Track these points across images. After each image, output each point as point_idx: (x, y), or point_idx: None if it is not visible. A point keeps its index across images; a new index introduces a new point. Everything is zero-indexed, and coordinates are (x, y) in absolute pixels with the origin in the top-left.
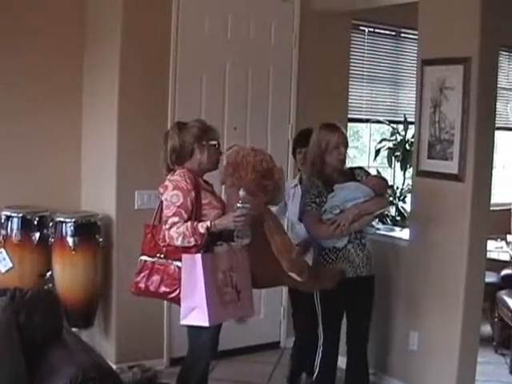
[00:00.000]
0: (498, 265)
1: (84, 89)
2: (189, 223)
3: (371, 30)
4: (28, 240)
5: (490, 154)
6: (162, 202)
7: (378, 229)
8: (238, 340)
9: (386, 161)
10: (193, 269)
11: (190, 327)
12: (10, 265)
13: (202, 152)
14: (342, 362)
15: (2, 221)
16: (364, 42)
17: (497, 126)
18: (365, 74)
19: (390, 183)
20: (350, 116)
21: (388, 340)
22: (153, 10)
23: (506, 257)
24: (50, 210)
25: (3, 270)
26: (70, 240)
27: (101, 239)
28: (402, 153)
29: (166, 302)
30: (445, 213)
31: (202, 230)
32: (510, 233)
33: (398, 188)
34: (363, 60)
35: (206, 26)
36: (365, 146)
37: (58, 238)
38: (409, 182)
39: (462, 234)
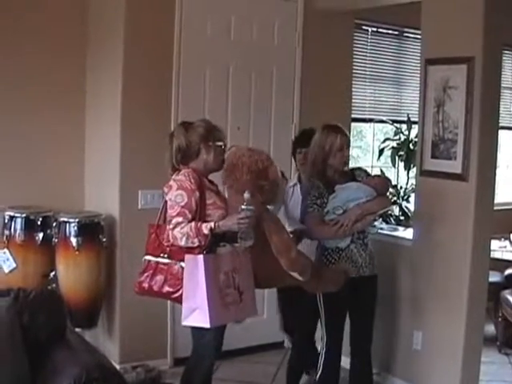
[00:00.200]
0: (502, 264)
1: (87, 89)
2: (193, 224)
3: (374, 29)
4: (31, 240)
5: (493, 153)
6: (166, 201)
7: (382, 228)
8: (242, 340)
9: (389, 160)
10: (195, 270)
11: (194, 327)
12: (14, 265)
13: (208, 152)
14: (345, 362)
15: (6, 221)
16: (367, 41)
17: (500, 125)
18: (368, 73)
19: (394, 183)
20: (353, 116)
21: (392, 340)
22: (156, 10)
23: (509, 256)
24: (53, 210)
25: (7, 271)
26: (73, 240)
27: (104, 239)
28: (405, 152)
29: (169, 301)
30: (448, 212)
31: (205, 231)
32: None
33: (401, 188)
34: (366, 60)
35: (208, 27)
36: (368, 146)
37: (62, 238)
38: (412, 181)
39: (466, 233)
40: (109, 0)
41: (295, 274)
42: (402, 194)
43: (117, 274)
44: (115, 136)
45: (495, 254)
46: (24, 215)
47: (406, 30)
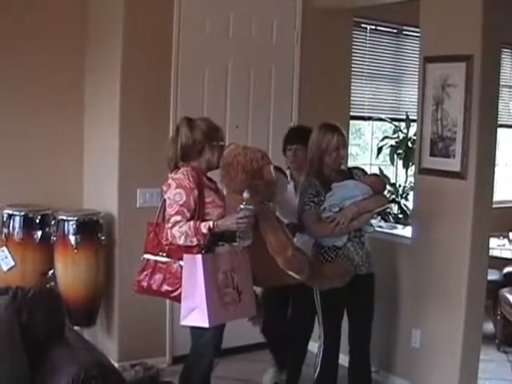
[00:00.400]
0: (501, 262)
1: (86, 88)
2: (191, 223)
3: (373, 27)
4: (30, 238)
5: (492, 151)
6: (165, 200)
7: (381, 226)
8: (240, 338)
9: (388, 158)
10: (193, 269)
11: (193, 326)
12: (12, 263)
13: (213, 152)
14: (344, 360)
15: (4, 219)
16: (366, 39)
17: (499, 123)
18: (367, 71)
19: (393, 181)
20: (352, 114)
21: (390, 338)
22: (154, 9)
23: (508, 254)
24: (52, 208)
25: (5, 269)
26: (72, 238)
27: (103, 237)
28: (404, 150)
29: (168, 300)
30: (447, 210)
31: (204, 230)
32: None
33: (400, 186)
34: (365, 57)
35: (207, 25)
36: (367, 144)
37: (60, 237)
38: (411, 179)
39: (465, 231)
40: (108, 0)
41: (292, 273)
42: (400, 192)
43: (115, 273)
44: (114, 135)
45: (494, 252)
46: (23, 213)
47: (404, 27)
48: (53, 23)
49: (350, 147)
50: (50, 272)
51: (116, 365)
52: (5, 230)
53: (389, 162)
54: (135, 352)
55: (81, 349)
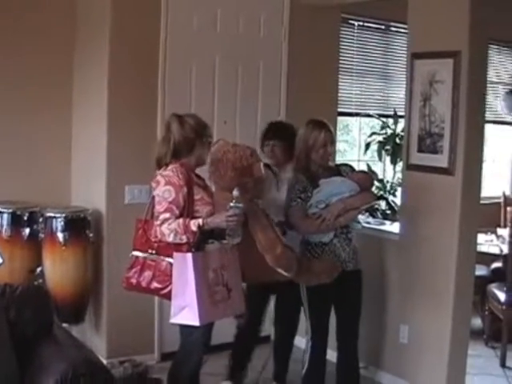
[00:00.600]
0: (488, 258)
1: (74, 86)
2: (181, 220)
3: (361, 23)
4: (18, 236)
5: (479, 147)
6: (154, 196)
7: (369, 222)
8: (229, 334)
9: (376, 154)
10: (184, 267)
11: (182, 324)
12: (0, 260)
13: (203, 148)
14: (332, 356)
15: None
16: (353, 35)
17: (487, 119)
18: (354, 67)
19: (380, 177)
20: (339, 110)
21: (379, 334)
22: (141, 5)
23: (495, 250)
24: (40, 205)
25: None
26: (60, 235)
27: (91, 234)
28: (392, 146)
29: (156, 297)
30: (435, 206)
31: (193, 228)
32: (499, 226)
33: (388, 182)
34: (353, 54)
35: (194, 21)
36: (355, 140)
37: (48, 234)
38: (399, 175)
39: (452, 227)
40: None
41: (281, 270)
42: (388, 188)
43: (104, 269)
44: (102, 131)
45: (481, 248)
46: (10, 210)
47: (392, 24)
48: (41, 22)
49: (337, 143)
50: (38, 269)
51: (104, 362)
52: None
53: (376, 158)
54: (124, 349)
55: (69, 346)
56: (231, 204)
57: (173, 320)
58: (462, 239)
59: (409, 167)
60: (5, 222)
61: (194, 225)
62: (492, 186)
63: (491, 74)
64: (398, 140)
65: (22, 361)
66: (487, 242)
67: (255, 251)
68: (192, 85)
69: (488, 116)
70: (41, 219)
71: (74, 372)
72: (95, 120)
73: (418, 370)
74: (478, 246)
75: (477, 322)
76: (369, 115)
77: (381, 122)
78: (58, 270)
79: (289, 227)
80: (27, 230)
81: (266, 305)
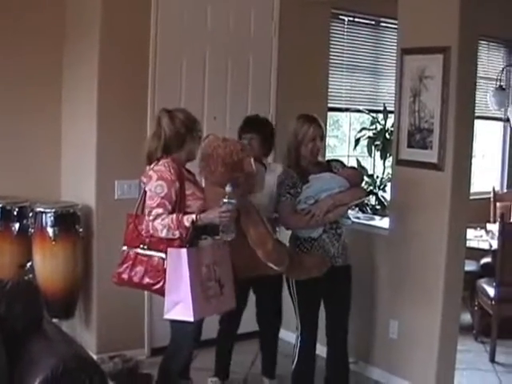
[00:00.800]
0: (478, 253)
1: (63, 82)
2: (174, 215)
3: (351, 19)
4: (8, 231)
5: (469, 143)
6: (145, 191)
7: (358, 217)
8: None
9: (365, 150)
10: (178, 263)
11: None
12: None
13: (194, 143)
14: (322, 351)
15: None
16: (344, 31)
17: (476, 115)
18: (344, 63)
19: (370, 172)
20: (329, 105)
21: (368, 329)
22: (132, 1)
23: (485, 245)
24: (29, 200)
25: None
26: (50, 230)
27: (81, 229)
28: (381, 142)
29: (146, 292)
30: (424, 202)
31: (187, 224)
32: (489, 221)
33: (377, 177)
34: (343, 49)
35: (185, 16)
36: (345, 135)
37: (38, 229)
38: (389, 170)
39: (442, 222)
40: None
41: (272, 265)
42: (378, 183)
43: (93, 264)
44: (91, 127)
45: (471, 243)
46: (0, 205)
47: (382, 19)
48: (29, 21)
49: (327, 139)
50: (28, 264)
51: (95, 357)
52: None
53: (366, 154)
54: (114, 344)
55: (59, 341)
56: (224, 200)
57: (166, 316)
58: (452, 234)
59: (398, 162)
60: None
61: (187, 220)
62: (481, 182)
63: (480, 70)
64: (387, 135)
65: (12, 356)
66: (477, 238)
67: (246, 246)
68: (182, 81)
69: (477, 112)
70: (31, 214)
71: (64, 367)
72: (85, 116)
73: (408, 365)
74: (468, 242)
75: (466, 317)
76: (359, 110)
77: (371, 118)
78: (47, 265)
79: (277, 222)
80: (17, 225)
81: (245, 303)
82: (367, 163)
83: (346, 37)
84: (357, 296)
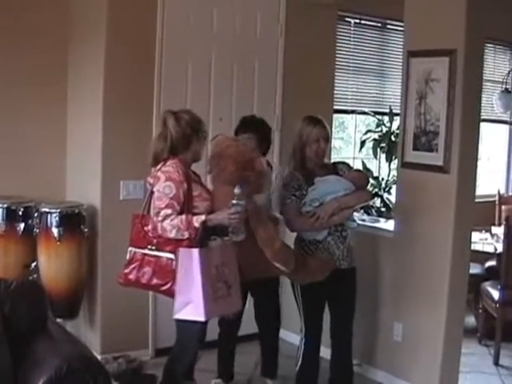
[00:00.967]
0: (483, 256)
1: (69, 82)
2: (183, 216)
3: (357, 21)
4: (13, 231)
5: (475, 145)
6: (151, 192)
7: (364, 220)
8: None
9: (371, 152)
10: (189, 263)
11: (179, 319)
12: None
13: (200, 144)
14: (326, 353)
15: None
16: (350, 33)
17: (482, 117)
18: (351, 65)
19: (376, 174)
20: (335, 107)
21: (373, 331)
22: (138, 3)
23: (490, 248)
24: (34, 200)
25: None
26: (54, 231)
27: (86, 230)
28: (387, 144)
29: (151, 292)
30: (430, 204)
31: (196, 224)
32: (494, 224)
33: (383, 179)
34: (349, 51)
35: (191, 19)
36: (350, 137)
37: (43, 229)
38: (394, 173)
39: (447, 225)
40: None
41: (278, 265)
42: (383, 185)
43: (98, 265)
44: (97, 127)
45: (476, 246)
46: (5, 205)
47: (388, 21)
48: (35, 21)
49: (333, 141)
50: (33, 264)
51: (99, 357)
52: None
53: (372, 156)
54: (118, 344)
55: (64, 341)
56: (233, 201)
57: (176, 316)
58: (457, 237)
59: (404, 165)
60: None
61: (196, 221)
62: (487, 185)
63: (486, 73)
64: (393, 138)
65: (16, 356)
66: (482, 241)
67: (254, 247)
68: (188, 82)
69: (483, 114)
70: (36, 214)
71: (69, 367)
72: (90, 116)
73: (412, 367)
74: (473, 245)
75: (470, 320)
76: (364, 113)
77: (376, 120)
78: (52, 265)
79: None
80: (22, 225)
81: (244, 304)
82: (372, 165)
83: (352, 39)
84: (361, 298)
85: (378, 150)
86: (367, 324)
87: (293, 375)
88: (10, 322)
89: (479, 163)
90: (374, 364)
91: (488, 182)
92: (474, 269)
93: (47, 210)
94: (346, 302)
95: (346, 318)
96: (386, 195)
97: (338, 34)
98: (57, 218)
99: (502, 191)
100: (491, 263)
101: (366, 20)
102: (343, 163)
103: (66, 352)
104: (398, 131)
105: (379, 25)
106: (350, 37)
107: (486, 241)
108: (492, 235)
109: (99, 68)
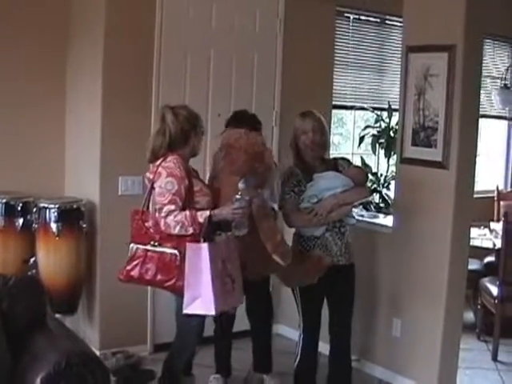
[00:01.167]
0: (481, 252)
1: (67, 78)
2: (187, 212)
3: (356, 16)
4: (11, 226)
5: (473, 141)
6: (151, 188)
7: (362, 215)
8: None
9: (370, 148)
10: (197, 258)
11: (180, 314)
12: None
13: (198, 139)
14: (325, 348)
15: None
16: (349, 28)
17: (481, 113)
18: (349, 60)
19: (374, 170)
20: (334, 103)
21: (371, 327)
22: None
23: (489, 244)
24: (33, 195)
25: None
26: (53, 226)
27: (84, 225)
28: (386, 140)
29: (150, 288)
30: (429, 200)
31: (201, 220)
32: (493, 220)
33: (381, 175)
34: (348, 47)
35: (190, 13)
36: (349, 133)
37: (42, 224)
38: (393, 169)
39: (446, 221)
40: None
41: (277, 258)
42: (382, 181)
43: (97, 260)
44: (95, 122)
45: (475, 242)
46: (4, 201)
47: (387, 17)
48: (34, 15)
49: (331, 136)
50: (32, 259)
51: (97, 353)
52: None
53: (370, 152)
54: (116, 340)
55: (62, 337)
56: (237, 196)
57: (186, 310)
58: (456, 233)
59: (403, 161)
60: None
61: (201, 216)
62: (485, 180)
63: (485, 69)
64: (392, 133)
65: (15, 351)
66: (480, 236)
67: (256, 243)
68: (186, 77)
69: (482, 110)
70: (34, 210)
71: (67, 363)
72: (89, 111)
73: (411, 363)
74: (471, 240)
75: (469, 315)
76: (363, 108)
77: (375, 116)
78: (51, 260)
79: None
80: (21, 221)
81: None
82: (371, 161)
83: (350, 34)
84: (360, 294)
85: (377, 145)
86: (366, 320)
87: (291, 371)
88: (9, 318)
89: (478, 159)
90: (372, 360)
91: (487, 178)
92: (473, 265)
93: (46, 205)
94: (344, 298)
95: (344, 314)
96: (384, 191)
97: (337, 29)
98: (55, 214)
99: (501, 187)
100: (490, 259)
101: (364, 15)
102: (344, 159)
103: (65, 347)
104: (396, 127)
105: (378, 20)
106: (348, 32)
107: (484, 237)
108: (491, 231)
109: (98, 63)
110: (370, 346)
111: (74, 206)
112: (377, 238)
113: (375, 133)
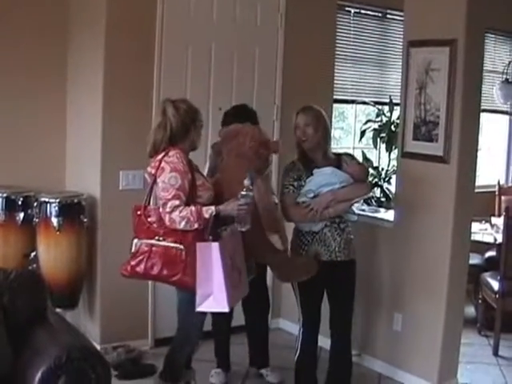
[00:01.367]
0: (483, 247)
1: (68, 72)
2: (193, 208)
3: (357, 10)
4: (12, 220)
5: (475, 136)
6: (154, 182)
7: (363, 210)
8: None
9: (371, 142)
10: (208, 257)
11: (182, 308)
12: None
13: (197, 133)
14: (326, 343)
15: None
16: (350, 22)
17: (482, 108)
18: (350, 54)
19: (375, 164)
20: (335, 97)
21: (372, 321)
22: None
23: (490, 239)
24: (34, 190)
25: None
26: (54, 220)
27: (85, 219)
28: (387, 134)
29: (150, 282)
30: (430, 194)
31: (206, 215)
32: (494, 215)
33: (382, 169)
34: (349, 41)
35: (191, 7)
36: (350, 127)
37: (43, 219)
38: (394, 163)
39: (447, 215)
40: None
41: (276, 238)
42: (383, 175)
43: (98, 255)
44: (97, 116)
45: (476, 237)
46: (5, 195)
47: (388, 11)
48: (35, 8)
49: (333, 130)
50: (33, 254)
51: (98, 347)
52: None
53: (372, 146)
54: (117, 334)
55: (63, 331)
56: (242, 193)
57: (199, 308)
58: (457, 228)
59: (404, 155)
60: None
61: (206, 212)
62: (487, 175)
63: (487, 63)
64: (393, 128)
65: (16, 346)
66: (481, 231)
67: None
68: (188, 71)
69: (483, 105)
70: (35, 204)
71: (68, 357)
72: (90, 105)
73: (412, 357)
74: (472, 235)
75: (470, 310)
76: (364, 102)
77: (376, 110)
78: (52, 254)
79: None
80: (21, 215)
81: None
82: (372, 155)
83: (352, 29)
84: (361, 288)
85: (378, 139)
86: (367, 314)
87: (292, 365)
88: (10, 312)
89: (479, 154)
90: (373, 354)
91: (488, 173)
92: (474, 259)
93: (47, 199)
94: (343, 294)
95: (344, 309)
96: (385, 185)
97: (338, 23)
98: (56, 208)
99: (502, 182)
100: (491, 254)
101: (365, 10)
102: (348, 154)
103: (66, 342)
104: (398, 121)
105: (379, 14)
106: (349, 26)
107: (485, 231)
108: (492, 226)
109: (99, 57)
110: (371, 340)
111: (75, 201)
112: (378, 232)
113: (376, 127)
